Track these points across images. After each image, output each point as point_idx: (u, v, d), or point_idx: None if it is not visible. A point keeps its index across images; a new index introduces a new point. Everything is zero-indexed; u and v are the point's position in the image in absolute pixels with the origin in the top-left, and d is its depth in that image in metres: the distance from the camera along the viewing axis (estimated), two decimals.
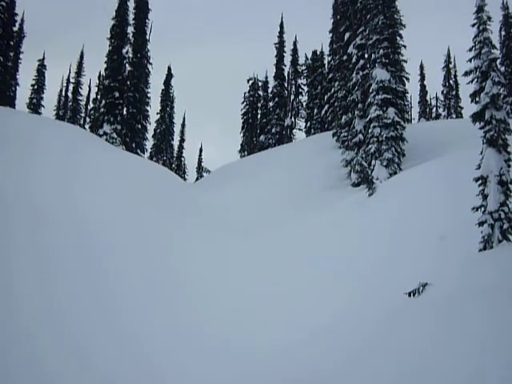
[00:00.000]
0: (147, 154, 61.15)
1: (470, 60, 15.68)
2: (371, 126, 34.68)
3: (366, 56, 38.77)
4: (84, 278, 15.89)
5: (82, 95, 72.02)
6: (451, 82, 69.84)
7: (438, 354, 9.59)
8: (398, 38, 38.08)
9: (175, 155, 75.26)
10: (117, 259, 18.27)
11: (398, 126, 34.31)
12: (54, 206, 19.06)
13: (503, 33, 54.89)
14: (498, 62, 15.46)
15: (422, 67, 70.21)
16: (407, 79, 38.73)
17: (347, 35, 43.57)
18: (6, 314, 12.57)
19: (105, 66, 53.30)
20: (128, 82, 53.80)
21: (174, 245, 22.46)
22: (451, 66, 70.09)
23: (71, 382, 11.56)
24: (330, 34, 56.62)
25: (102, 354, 12.84)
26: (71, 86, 71.97)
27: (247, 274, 21.16)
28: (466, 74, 15.82)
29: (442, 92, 70.40)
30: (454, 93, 69.66)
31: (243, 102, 72.48)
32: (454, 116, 67.62)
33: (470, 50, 15.73)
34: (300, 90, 70.62)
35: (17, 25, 53.80)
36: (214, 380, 12.71)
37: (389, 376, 9.92)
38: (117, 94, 51.69)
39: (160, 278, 18.61)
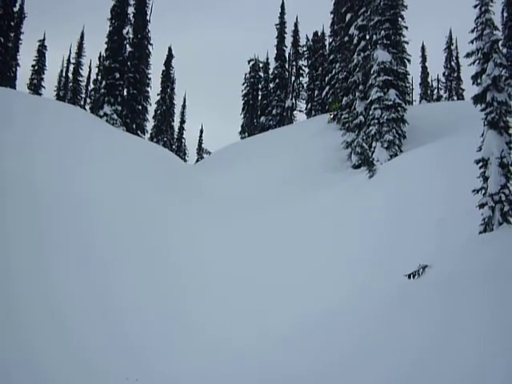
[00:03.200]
0: (147, 135, 61.07)
1: (472, 41, 15.63)
2: (372, 107, 34.58)
3: (368, 37, 38.56)
4: (80, 268, 15.88)
5: (82, 76, 71.78)
6: (453, 63, 69.58)
7: (440, 342, 9.65)
8: (400, 19, 37.73)
9: (175, 136, 75.12)
10: (113, 241, 18.26)
11: (399, 108, 34.20)
12: (53, 189, 19.03)
13: (505, 14, 54.43)
14: (500, 43, 15.39)
15: (423, 49, 69.87)
16: (408, 61, 38.48)
17: (348, 16, 43.31)
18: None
19: (105, 46, 53.10)
20: (128, 63, 53.65)
21: (171, 229, 22.45)
22: (453, 47, 69.83)
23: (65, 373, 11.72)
24: (332, 15, 56.29)
25: (94, 344, 12.96)
26: (72, 67, 71.76)
27: (244, 254, 21.21)
28: (468, 55, 15.77)
29: (444, 74, 70.16)
30: (455, 74, 69.42)
31: (244, 84, 72.33)
32: (455, 98, 67.41)
33: (472, 31, 15.68)
34: (301, 72, 70.35)
35: (17, 5, 53.54)
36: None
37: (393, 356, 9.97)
38: (117, 75, 51.55)
39: (159, 265, 18.53)
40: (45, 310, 13.49)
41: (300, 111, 69.26)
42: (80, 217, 18.39)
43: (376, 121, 34.02)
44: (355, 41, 40.02)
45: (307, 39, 69.39)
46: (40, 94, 61.32)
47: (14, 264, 14.33)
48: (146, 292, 16.46)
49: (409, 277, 13.56)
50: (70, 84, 71.60)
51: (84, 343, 13.05)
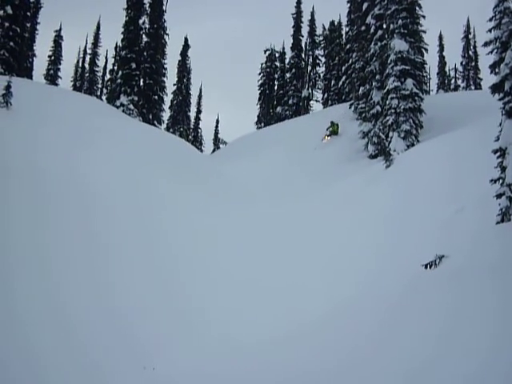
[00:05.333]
0: (164, 126, 61.20)
1: (490, 30, 15.47)
2: (389, 97, 34.40)
3: (385, 26, 38.25)
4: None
5: (98, 66, 72.07)
6: (470, 52, 69.09)
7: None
8: (417, 7, 37.38)
9: (192, 126, 75.19)
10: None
11: (416, 98, 34.01)
12: (59, 174, 18.92)
13: None
14: None
15: (441, 38, 69.41)
16: (426, 50, 38.15)
17: (365, 5, 42.96)
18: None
19: (121, 36, 53.22)
20: (145, 53, 53.77)
21: (185, 217, 22.32)
22: (471, 36, 69.28)
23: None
24: (348, 4, 56.20)
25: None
26: (88, 57, 72.01)
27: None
28: (486, 44, 15.62)
29: (461, 63, 69.69)
30: (473, 64, 68.94)
31: (260, 74, 72.29)
32: (472, 87, 66.93)
33: (490, 20, 15.52)
34: (317, 61, 70.11)
35: None
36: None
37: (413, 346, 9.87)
38: (133, 65, 51.68)
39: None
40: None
41: (316, 101, 69.18)
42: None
43: (393, 110, 33.86)
44: (372, 30, 39.76)
45: (324, 28, 69.20)
46: (56, 85, 61.60)
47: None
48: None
49: (425, 267, 13.47)
50: (87, 74, 71.86)
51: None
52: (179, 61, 71.38)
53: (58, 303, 13.44)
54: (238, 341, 13.84)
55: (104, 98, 64.89)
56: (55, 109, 25.63)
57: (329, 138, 42.14)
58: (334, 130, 42.33)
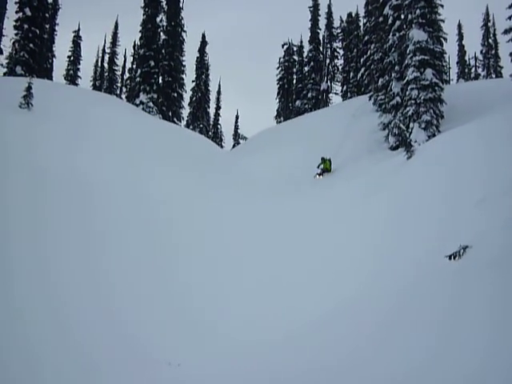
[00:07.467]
0: (184, 123, 61.42)
1: (510, 18, 15.37)
2: (409, 88, 34.18)
3: (403, 17, 37.99)
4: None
5: (117, 65, 72.48)
6: (490, 40, 68.48)
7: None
8: None
9: (211, 123, 75.39)
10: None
11: (436, 88, 33.75)
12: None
13: None
14: None
15: (460, 26, 68.90)
16: (445, 39, 37.80)
17: None
18: None
19: (139, 35, 53.49)
20: (163, 51, 54.01)
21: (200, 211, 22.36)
22: (490, 24, 68.63)
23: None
24: None
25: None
26: (107, 57, 72.45)
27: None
28: (506, 32, 15.52)
29: (481, 51, 69.08)
30: (493, 52, 68.31)
31: (278, 68, 72.26)
32: (493, 76, 66.35)
33: (510, 7, 15.41)
34: (335, 54, 69.98)
35: None
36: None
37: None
38: (152, 63, 51.93)
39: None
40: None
41: (335, 94, 69.05)
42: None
43: (413, 101, 33.66)
44: (390, 21, 39.49)
45: (341, 21, 69.06)
46: (76, 85, 62.12)
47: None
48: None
49: (449, 258, 13.37)
50: (106, 73, 72.30)
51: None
52: (197, 57, 71.64)
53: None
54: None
55: (123, 96, 65.29)
56: (75, 109, 25.86)
57: (321, 176, 35.24)
58: (325, 167, 35.53)
